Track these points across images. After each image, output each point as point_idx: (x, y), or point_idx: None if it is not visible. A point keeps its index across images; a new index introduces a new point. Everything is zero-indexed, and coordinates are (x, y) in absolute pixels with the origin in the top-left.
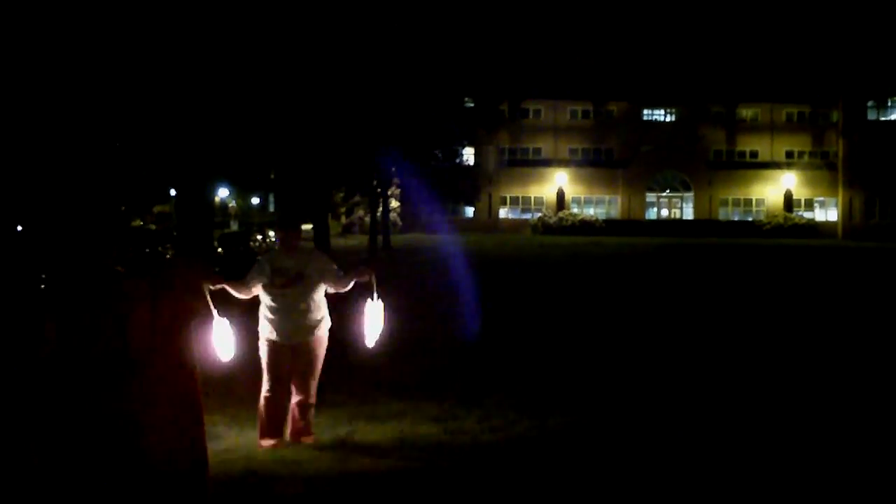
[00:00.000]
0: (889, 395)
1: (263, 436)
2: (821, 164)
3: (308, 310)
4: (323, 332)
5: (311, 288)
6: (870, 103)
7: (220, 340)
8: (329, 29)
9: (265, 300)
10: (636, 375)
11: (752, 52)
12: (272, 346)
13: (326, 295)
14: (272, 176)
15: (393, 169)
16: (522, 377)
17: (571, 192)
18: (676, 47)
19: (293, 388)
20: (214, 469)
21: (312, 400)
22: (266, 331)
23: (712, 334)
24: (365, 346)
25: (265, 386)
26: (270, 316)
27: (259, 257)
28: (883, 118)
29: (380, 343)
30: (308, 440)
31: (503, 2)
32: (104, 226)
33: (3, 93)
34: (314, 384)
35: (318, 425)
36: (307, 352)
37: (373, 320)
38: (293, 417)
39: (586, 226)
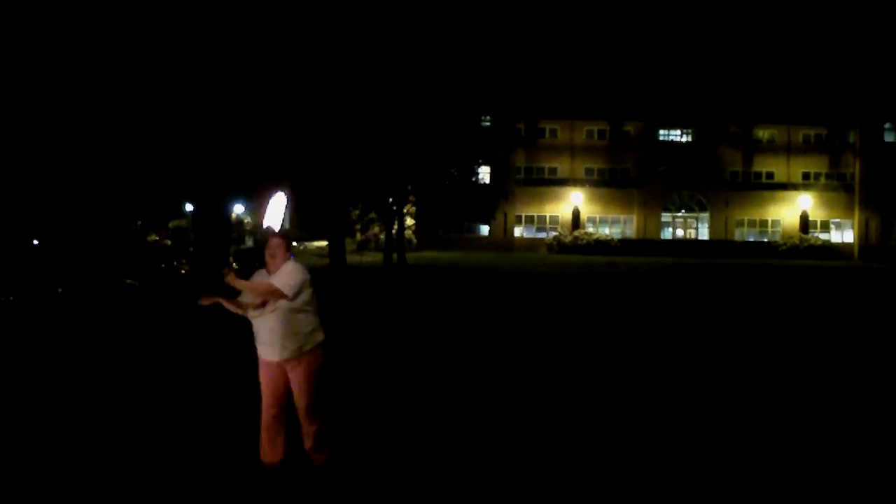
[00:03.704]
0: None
1: (262, 453)
2: (837, 186)
3: (285, 327)
4: (309, 350)
5: (283, 305)
6: (887, 125)
7: None
8: (348, 47)
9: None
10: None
11: (769, 74)
12: (261, 363)
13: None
14: (288, 192)
15: (409, 186)
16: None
17: (587, 211)
18: (693, 68)
19: (296, 407)
20: (219, 480)
21: (311, 419)
22: (257, 348)
23: (709, 356)
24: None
25: (262, 403)
26: (256, 333)
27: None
28: None
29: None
30: (318, 460)
31: (521, 22)
32: (116, 241)
33: (21, 108)
34: (309, 402)
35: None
36: (294, 370)
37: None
38: (302, 435)
39: (601, 245)
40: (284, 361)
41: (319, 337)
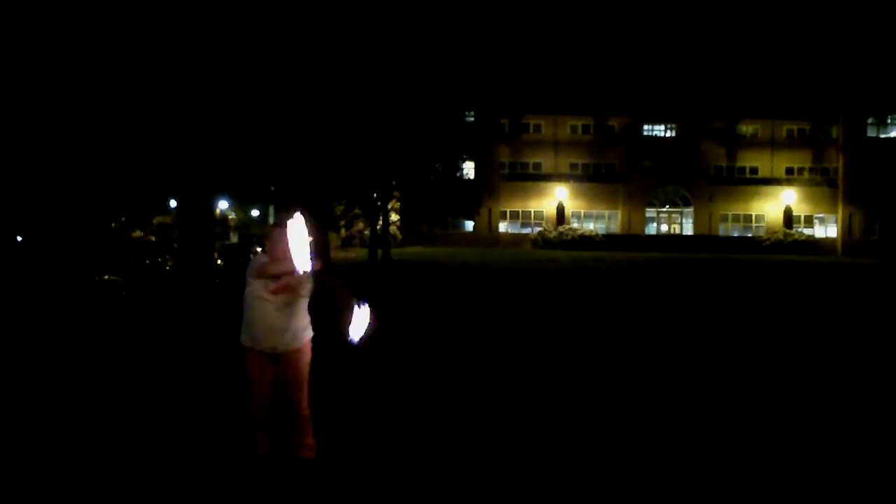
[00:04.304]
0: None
1: (252, 444)
2: (821, 181)
3: (291, 317)
4: (305, 342)
5: (297, 295)
6: (870, 120)
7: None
8: (331, 41)
9: (250, 304)
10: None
11: (752, 69)
12: (252, 355)
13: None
14: (272, 188)
15: (393, 182)
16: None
17: (571, 206)
18: (677, 63)
19: (287, 401)
20: (211, 471)
21: (304, 413)
22: (246, 337)
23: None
24: (349, 341)
25: (252, 395)
26: (251, 322)
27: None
28: (883, 135)
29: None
30: (308, 455)
31: (504, 17)
32: (99, 237)
33: (11, 104)
34: (302, 396)
35: None
36: (289, 362)
37: (360, 321)
38: (293, 431)
39: (586, 240)
40: (278, 354)
41: (311, 332)
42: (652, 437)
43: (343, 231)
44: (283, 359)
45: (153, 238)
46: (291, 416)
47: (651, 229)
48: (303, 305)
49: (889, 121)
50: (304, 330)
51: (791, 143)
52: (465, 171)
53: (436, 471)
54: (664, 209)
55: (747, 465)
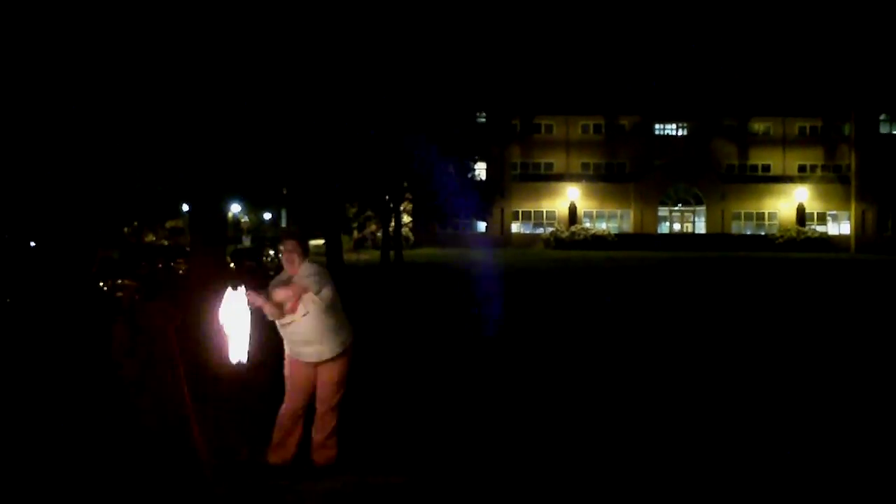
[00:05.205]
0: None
1: (273, 451)
2: (833, 178)
3: (324, 327)
4: (346, 349)
5: (309, 306)
6: (882, 116)
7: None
8: (343, 43)
9: (280, 326)
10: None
11: (764, 66)
12: (295, 364)
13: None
14: (284, 191)
15: (405, 183)
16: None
17: (583, 206)
18: (688, 61)
19: (317, 408)
20: (224, 476)
21: (333, 418)
22: (287, 347)
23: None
24: (230, 361)
25: (285, 401)
26: (291, 336)
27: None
28: (895, 131)
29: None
30: (328, 458)
31: (515, 18)
32: (87, 239)
33: (13, 106)
34: (338, 402)
35: None
36: (329, 369)
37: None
38: (313, 438)
39: (598, 240)
40: (317, 363)
41: (351, 336)
42: (655, 437)
43: (355, 233)
44: (323, 366)
45: (166, 242)
46: (317, 424)
47: (663, 228)
48: (331, 311)
49: None
50: (342, 335)
51: (803, 140)
52: (476, 172)
53: (446, 473)
54: (676, 208)
55: (748, 465)
